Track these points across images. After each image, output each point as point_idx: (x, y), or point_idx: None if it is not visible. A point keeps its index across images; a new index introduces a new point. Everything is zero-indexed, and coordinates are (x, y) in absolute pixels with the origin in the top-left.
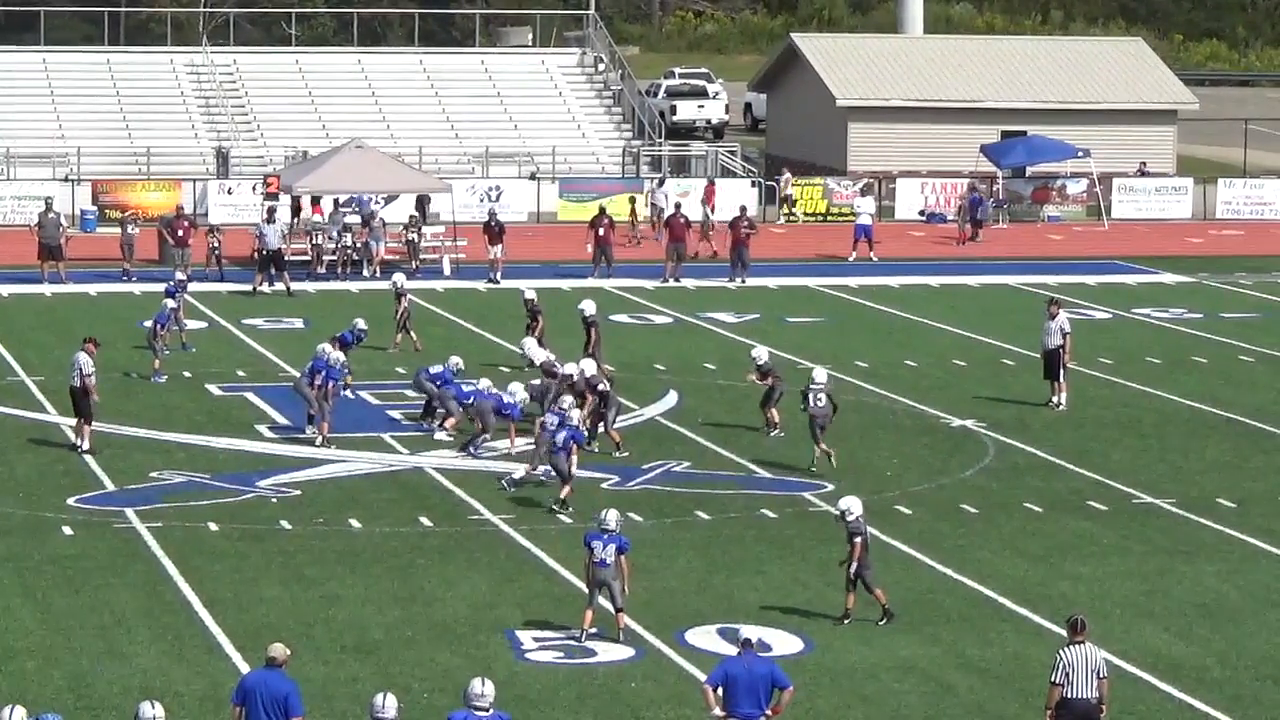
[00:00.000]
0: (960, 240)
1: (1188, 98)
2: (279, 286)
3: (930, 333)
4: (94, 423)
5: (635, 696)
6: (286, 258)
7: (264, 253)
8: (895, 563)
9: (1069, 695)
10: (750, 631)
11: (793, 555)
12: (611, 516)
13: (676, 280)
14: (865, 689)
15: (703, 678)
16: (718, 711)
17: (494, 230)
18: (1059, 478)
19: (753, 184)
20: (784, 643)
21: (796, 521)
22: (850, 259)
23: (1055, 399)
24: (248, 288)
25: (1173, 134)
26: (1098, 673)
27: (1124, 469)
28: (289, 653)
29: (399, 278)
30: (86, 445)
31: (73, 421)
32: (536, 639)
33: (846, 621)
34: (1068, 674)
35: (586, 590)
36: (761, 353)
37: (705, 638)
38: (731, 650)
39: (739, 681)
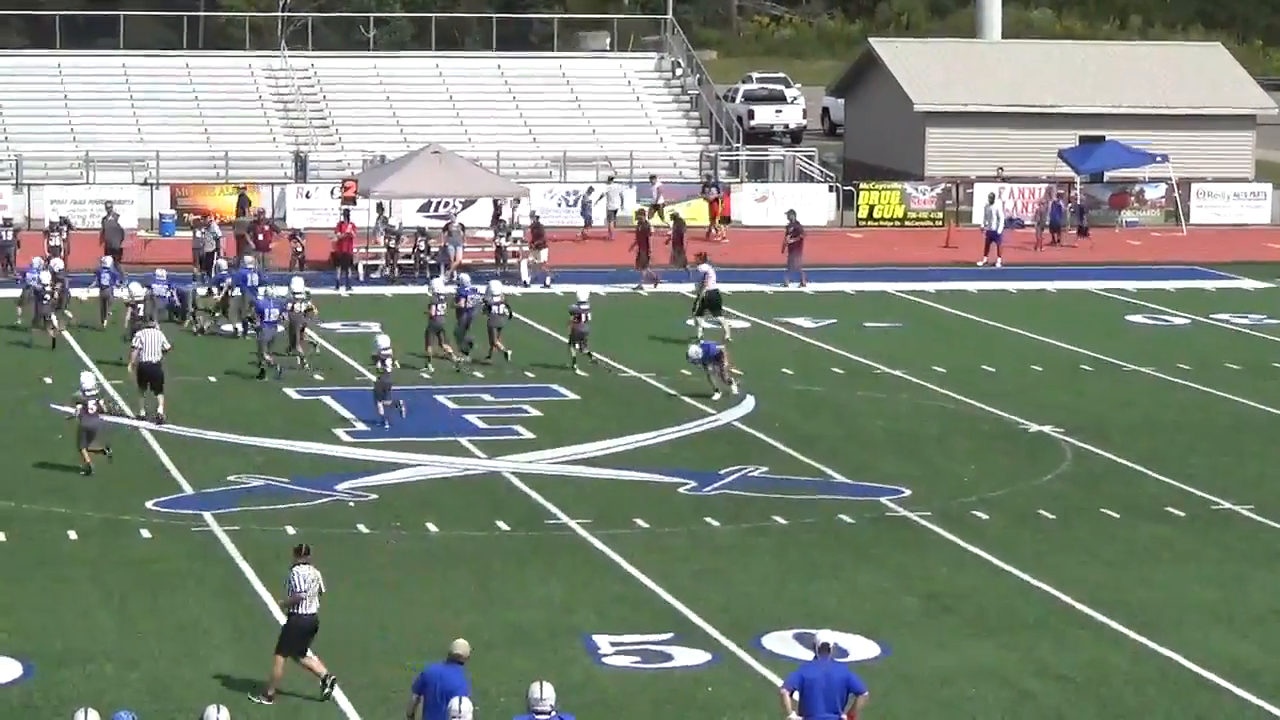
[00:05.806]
0: (1038, 245)
1: (1267, 103)
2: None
3: (1007, 338)
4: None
5: (712, 701)
6: (363, 262)
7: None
8: (972, 567)
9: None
10: (827, 636)
11: (869, 560)
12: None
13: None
14: (941, 694)
15: (779, 682)
16: (794, 716)
17: (535, 233)
18: (1136, 483)
19: (830, 189)
20: (860, 648)
21: (873, 526)
22: (980, 264)
23: (726, 331)
24: (328, 290)
25: (1251, 139)
26: None
27: (1202, 475)
28: (470, 650)
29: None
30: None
31: (137, 421)
32: (613, 643)
33: None
34: (305, 588)
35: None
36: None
37: (782, 642)
38: (808, 655)
39: (815, 686)
